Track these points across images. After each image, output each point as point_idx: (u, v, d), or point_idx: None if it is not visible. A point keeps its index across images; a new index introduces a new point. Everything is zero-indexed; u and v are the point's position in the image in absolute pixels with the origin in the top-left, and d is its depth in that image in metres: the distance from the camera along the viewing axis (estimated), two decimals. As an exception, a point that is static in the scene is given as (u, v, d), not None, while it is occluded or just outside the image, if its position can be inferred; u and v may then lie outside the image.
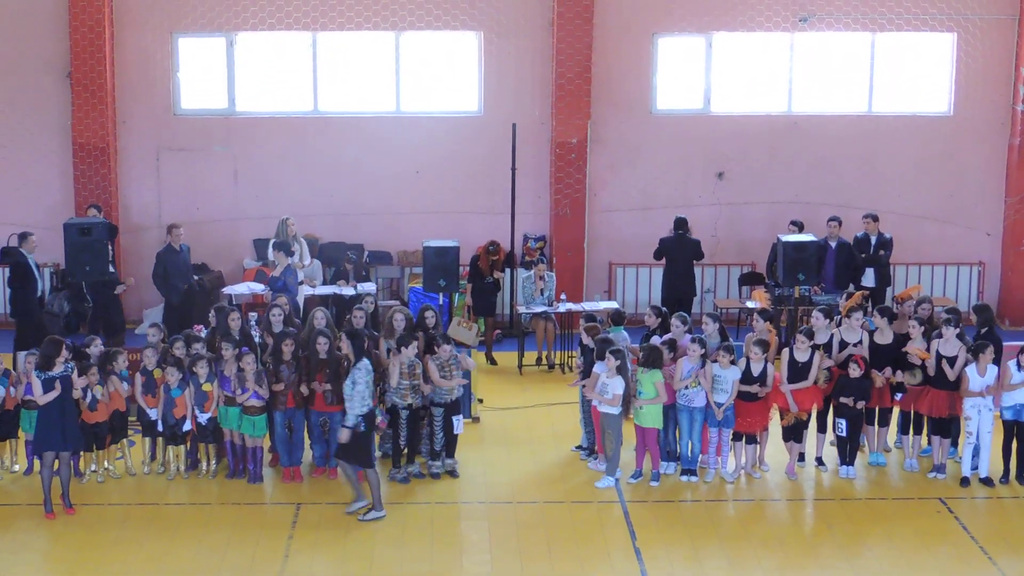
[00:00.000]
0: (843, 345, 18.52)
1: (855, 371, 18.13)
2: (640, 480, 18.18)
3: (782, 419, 18.48)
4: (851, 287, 23.57)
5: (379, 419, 17.60)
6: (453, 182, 26.18)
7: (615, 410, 17.92)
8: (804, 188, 26.38)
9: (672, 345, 18.50)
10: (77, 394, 17.34)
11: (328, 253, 25.18)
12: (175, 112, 25.99)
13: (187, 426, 18.20)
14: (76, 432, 17.22)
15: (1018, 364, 17.94)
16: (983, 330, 18.73)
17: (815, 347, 18.36)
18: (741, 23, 26.01)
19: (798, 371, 18.24)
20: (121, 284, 23.47)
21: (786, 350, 18.50)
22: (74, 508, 17.18)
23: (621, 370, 17.85)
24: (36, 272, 22.92)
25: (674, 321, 19.01)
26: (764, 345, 18.23)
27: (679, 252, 24.55)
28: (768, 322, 19.34)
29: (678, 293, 24.52)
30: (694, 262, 24.65)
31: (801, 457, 18.77)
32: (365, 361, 16.99)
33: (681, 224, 24.59)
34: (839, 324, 18.92)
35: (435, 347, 18.24)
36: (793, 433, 18.48)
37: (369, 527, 16.85)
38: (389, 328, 18.86)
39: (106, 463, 18.33)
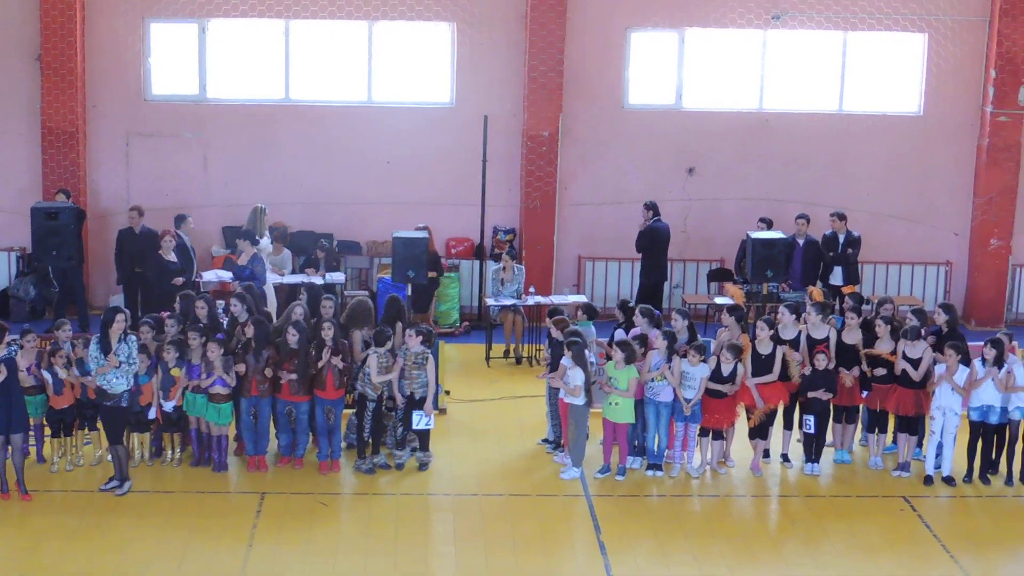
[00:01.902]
0: (811, 341, 18.57)
1: (822, 362, 18.18)
2: (607, 475, 18.21)
3: (749, 419, 18.51)
4: (819, 284, 23.63)
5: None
6: (424, 173, 26.12)
7: (578, 401, 17.96)
8: (774, 185, 26.41)
9: (643, 340, 18.54)
10: (24, 378, 17.29)
11: (298, 242, 25.12)
12: (145, 97, 25.86)
13: (152, 414, 18.12)
14: (22, 416, 17.12)
15: (983, 360, 18.05)
16: (945, 330, 18.79)
17: (779, 341, 18.42)
18: (714, 19, 26.01)
19: (762, 364, 18.29)
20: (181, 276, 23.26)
21: (749, 345, 18.55)
22: (30, 495, 17.12)
23: (579, 360, 17.88)
24: (191, 253, 23.58)
25: (639, 317, 19.04)
26: (736, 350, 18.23)
27: (664, 238, 24.73)
28: (735, 317, 19.32)
29: (657, 280, 24.68)
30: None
31: (767, 453, 18.84)
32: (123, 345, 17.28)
33: (657, 208, 24.72)
34: (805, 321, 18.95)
35: (406, 338, 18.27)
36: (758, 430, 18.54)
37: (336, 518, 16.87)
38: (356, 317, 18.88)
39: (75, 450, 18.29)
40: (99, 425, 18.16)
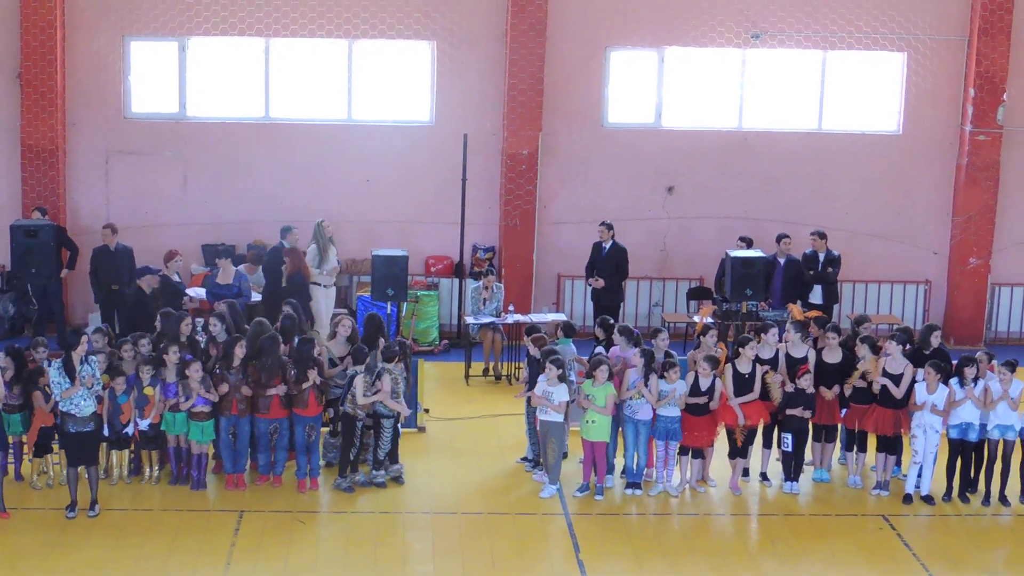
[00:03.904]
0: (790, 360, 18.58)
1: (807, 383, 18.19)
2: (586, 493, 18.19)
3: (731, 438, 18.49)
4: (798, 303, 23.62)
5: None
6: (403, 191, 26.13)
7: (559, 417, 17.96)
8: (753, 204, 26.46)
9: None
10: (2, 395, 17.29)
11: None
12: (125, 115, 25.84)
13: (130, 430, 18.06)
14: (1, 435, 17.18)
15: (960, 380, 18.08)
16: (927, 351, 18.83)
17: (758, 360, 18.43)
18: (693, 39, 26.08)
19: (743, 383, 18.30)
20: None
21: (728, 364, 18.53)
22: (8, 513, 17.08)
23: (563, 378, 17.89)
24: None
25: (618, 336, 19.05)
26: (714, 361, 18.27)
27: None
28: (713, 332, 19.38)
29: (619, 300, 24.79)
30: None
31: (745, 472, 18.83)
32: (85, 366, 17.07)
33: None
34: (784, 340, 18.98)
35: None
36: (738, 448, 18.54)
37: (315, 536, 16.83)
38: (331, 335, 18.93)
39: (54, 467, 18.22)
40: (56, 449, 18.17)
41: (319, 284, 23.41)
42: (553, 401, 17.92)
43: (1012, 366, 18.10)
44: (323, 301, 23.30)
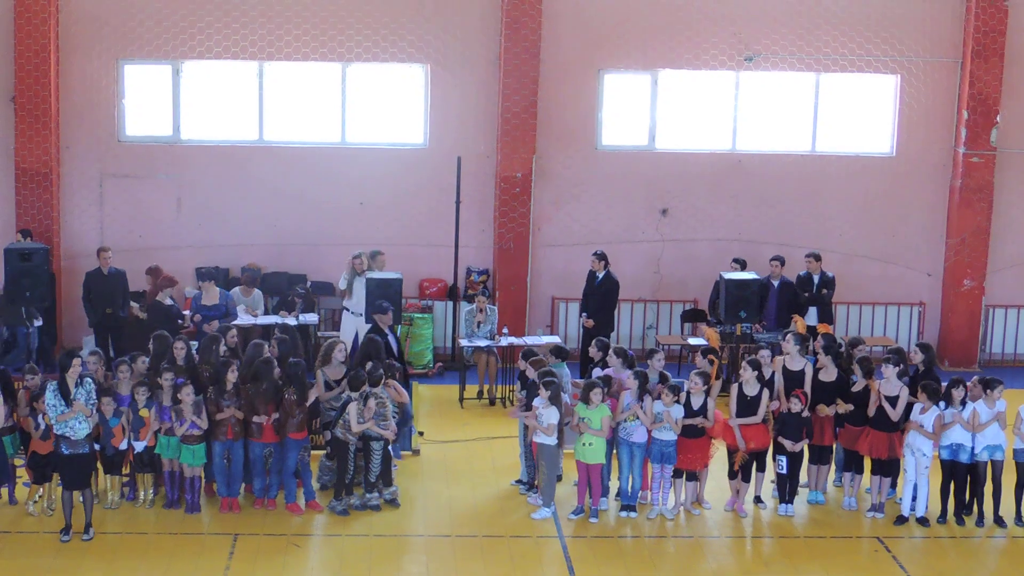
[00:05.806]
0: (786, 373, 18.56)
1: (796, 405, 18.17)
2: (580, 516, 18.16)
3: (731, 459, 18.46)
4: (793, 324, 23.63)
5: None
6: (397, 214, 26.12)
7: (551, 440, 17.94)
8: (747, 226, 26.47)
9: (607, 380, 18.48)
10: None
11: (271, 283, 25.08)
12: (119, 139, 25.83)
13: (123, 445, 17.97)
14: (4, 463, 17.20)
15: (947, 404, 18.08)
16: (922, 370, 18.84)
17: (761, 381, 18.38)
18: (687, 61, 26.11)
19: (747, 405, 18.27)
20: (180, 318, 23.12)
21: (735, 385, 18.50)
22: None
23: (555, 400, 17.88)
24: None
25: (613, 358, 19.03)
26: (704, 377, 18.26)
27: None
28: (711, 355, 19.39)
29: (609, 330, 24.64)
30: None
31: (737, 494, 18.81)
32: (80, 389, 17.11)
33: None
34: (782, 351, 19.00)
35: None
36: (742, 470, 18.48)
37: (309, 559, 16.80)
38: (326, 359, 18.92)
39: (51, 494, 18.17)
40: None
41: (348, 310, 23.39)
42: (542, 423, 17.91)
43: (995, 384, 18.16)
44: (350, 328, 23.20)
